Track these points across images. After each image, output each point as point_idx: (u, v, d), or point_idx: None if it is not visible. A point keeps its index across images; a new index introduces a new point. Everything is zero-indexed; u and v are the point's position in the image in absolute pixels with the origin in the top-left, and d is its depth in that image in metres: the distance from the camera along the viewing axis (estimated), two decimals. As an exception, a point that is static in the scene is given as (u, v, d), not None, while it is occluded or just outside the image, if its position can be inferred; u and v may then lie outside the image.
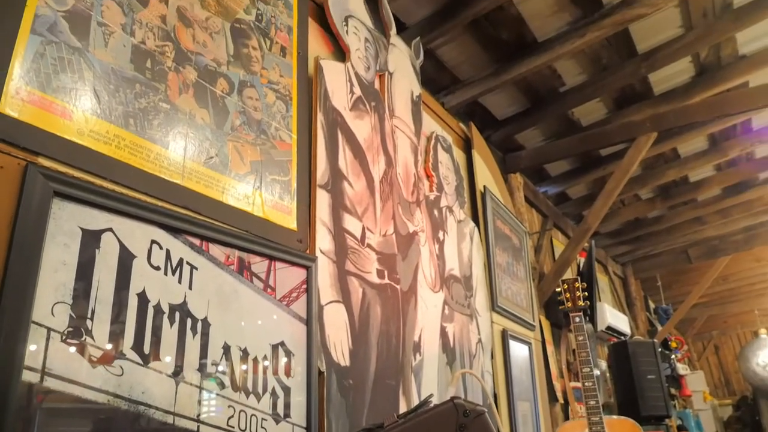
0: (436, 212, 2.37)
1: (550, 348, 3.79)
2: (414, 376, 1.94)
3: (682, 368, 8.89)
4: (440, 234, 2.36)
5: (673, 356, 7.37)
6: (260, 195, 1.53)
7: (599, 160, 4.68)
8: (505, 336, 2.68)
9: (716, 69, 3.75)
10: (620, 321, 5.58)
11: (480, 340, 2.46)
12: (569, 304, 2.28)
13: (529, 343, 3.01)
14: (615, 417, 2.07)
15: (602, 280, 6.19)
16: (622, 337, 5.45)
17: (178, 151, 1.33)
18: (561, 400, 3.73)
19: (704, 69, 3.76)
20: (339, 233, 1.76)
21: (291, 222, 1.61)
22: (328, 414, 1.53)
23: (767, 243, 6.84)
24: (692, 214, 5.99)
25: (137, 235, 1.19)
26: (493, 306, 2.64)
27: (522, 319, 2.97)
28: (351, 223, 1.82)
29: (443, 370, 2.13)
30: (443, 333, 2.19)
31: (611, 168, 4.60)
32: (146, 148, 1.26)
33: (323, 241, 1.68)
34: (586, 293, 2.28)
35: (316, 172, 1.71)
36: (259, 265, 1.46)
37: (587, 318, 2.80)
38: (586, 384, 2.13)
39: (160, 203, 1.25)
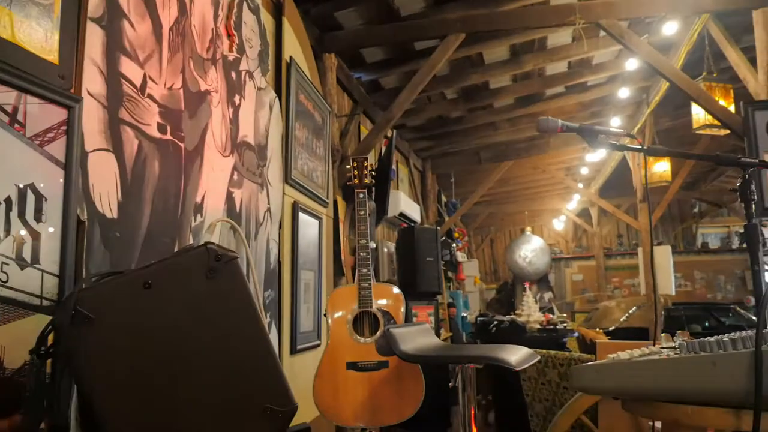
0: (233, 74, 2.26)
1: (344, 226, 4.02)
2: (193, 236, 1.92)
3: (461, 256, 10.08)
4: (236, 98, 2.27)
5: (454, 245, 8.31)
6: (10, 15, 1.31)
7: (413, 54, 4.81)
8: (295, 208, 2.76)
9: (525, -18, 4.00)
10: (413, 209, 6.09)
11: (269, 210, 2.51)
12: (356, 181, 2.40)
13: (320, 218, 3.15)
14: (381, 283, 2.30)
15: (403, 171, 6.60)
16: (412, 224, 5.98)
17: None
18: (348, 275, 4.03)
19: (515, -21, 3.98)
20: (114, 77, 1.60)
21: (51, 54, 1.41)
22: (87, 264, 1.46)
23: (544, 153, 7.83)
24: (488, 119, 6.56)
25: None
26: (287, 178, 2.68)
27: (315, 194, 3.07)
28: (129, 69, 1.66)
29: (226, 234, 2.14)
30: (230, 198, 2.18)
31: (423, 63, 4.77)
32: None
33: (93, 82, 1.52)
34: (374, 173, 2.42)
35: (88, 2, 1.50)
36: (4, 95, 1.28)
37: (372, 196, 2.99)
38: (361, 254, 2.31)
39: None
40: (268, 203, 2.50)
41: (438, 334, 5.68)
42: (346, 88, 4.83)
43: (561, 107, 6.58)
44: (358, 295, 2.29)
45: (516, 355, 1.74)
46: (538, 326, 5.23)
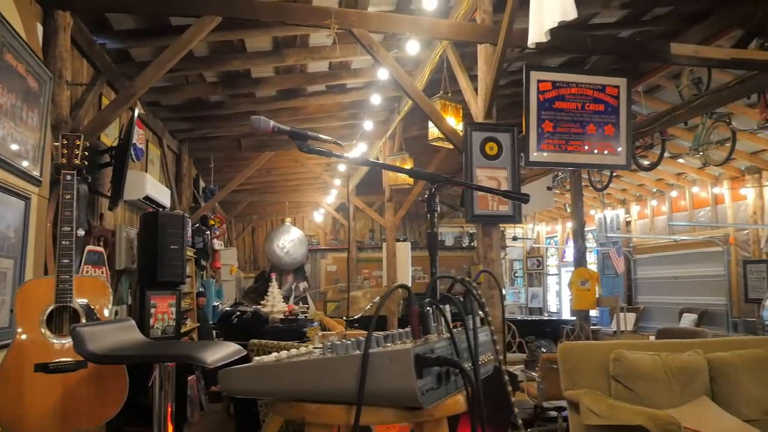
0: None
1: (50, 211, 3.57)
2: None
3: (218, 244, 9.80)
4: None
5: (208, 232, 8.04)
6: None
7: (168, 28, 4.52)
8: (-14, 184, 2.36)
9: (290, -24, 4.02)
10: (162, 193, 5.72)
11: (-54, 185, 2.11)
12: (63, 160, 2.14)
13: (27, 198, 2.75)
14: (87, 276, 2.10)
15: (154, 152, 6.17)
16: (160, 209, 5.62)
17: None
18: (51, 265, 3.60)
19: (281, -28, 3.98)
20: None
21: None
22: None
23: (305, 147, 8.01)
24: (249, 107, 6.48)
25: None
26: (-23, 149, 2.28)
27: (21, 170, 2.66)
28: None
29: None
30: None
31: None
32: None
33: None
34: (87, 153, 2.19)
35: None
36: None
37: (85, 179, 2.72)
38: (63, 243, 2.08)
39: None
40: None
41: (179, 325, 5.44)
42: (86, 53, 4.32)
43: (322, 105, 6.81)
44: (55, 288, 2.06)
45: (217, 353, 1.74)
46: (281, 317, 5.34)
